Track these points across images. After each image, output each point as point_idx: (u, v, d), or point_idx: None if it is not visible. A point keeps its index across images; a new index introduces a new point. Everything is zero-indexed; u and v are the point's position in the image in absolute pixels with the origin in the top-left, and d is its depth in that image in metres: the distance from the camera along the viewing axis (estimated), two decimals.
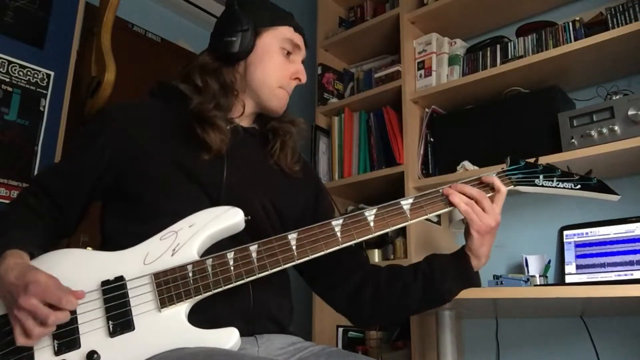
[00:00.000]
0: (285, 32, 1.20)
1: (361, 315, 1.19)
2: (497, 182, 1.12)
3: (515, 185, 1.15)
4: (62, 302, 0.86)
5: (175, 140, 1.09)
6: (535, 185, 1.15)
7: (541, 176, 1.15)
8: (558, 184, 1.15)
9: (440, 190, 1.12)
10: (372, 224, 1.05)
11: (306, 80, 1.23)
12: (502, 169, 1.18)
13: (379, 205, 1.08)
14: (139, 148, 1.07)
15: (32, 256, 0.97)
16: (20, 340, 0.86)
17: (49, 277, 0.88)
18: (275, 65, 1.18)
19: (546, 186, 1.15)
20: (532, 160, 1.20)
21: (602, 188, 1.17)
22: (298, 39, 1.22)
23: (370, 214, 1.06)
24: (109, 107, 1.16)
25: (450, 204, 1.10)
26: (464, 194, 1.10)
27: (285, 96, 1.21)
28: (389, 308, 1.16)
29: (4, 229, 1.02)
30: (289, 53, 1.20)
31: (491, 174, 1.16)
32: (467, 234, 1.11)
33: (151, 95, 1.20)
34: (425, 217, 1.09)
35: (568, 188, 1.15)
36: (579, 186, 1.16)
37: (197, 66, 1.16)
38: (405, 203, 1.09)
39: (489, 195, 1.12)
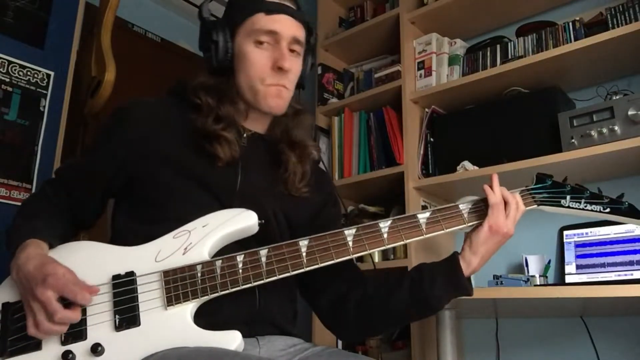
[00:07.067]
0: (255, 23, 1.06)
1: (344, 324, 1.14)
2: (518, 199, 1.08)
3: (538, 205, 1.09)
4: (78, 297, 0.88)
5: (189, 146, 1.07)
6: (561, 206, 1.08)
7: (568, 197, 1.09)
8: (586, 206, 1.08)
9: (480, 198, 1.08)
10: (385, 235, 1.03)
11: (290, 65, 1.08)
12: (527, 186, 1.12)
13: (394, 217, 1.06)
14: (153, 151, 1.06)
15: (52, 246, 0.99)
16: (32, 331, 0.88)
17: (67, 270, 0.90)
18: (252, 63, 1.07)
19: (573, 207, 1.08)
20: (560, 180, 1.13)
21: (634, 213, 1.09)
22: (272, 22, 1.06)
23: (384, 225, 1.03)
24: (128, 105, 1.11)
25: (485, 194, 1.06)
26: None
27: (277, 92, 1.08)
28: (373, 316, 1.10)
29: (26, 218, 1.04)
30: (263, 42, 1.06)
31: (516, 191, 1.11)
32: (477, 227, 1.06)
33: (169, 94, 1.17)
34: (442, 232, 1.04)
35: (597, 211, 1.08)
36: (608, 209, 1.08)
37: (196, 85, 1.10)
38: (422, 217, 1.05)
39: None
